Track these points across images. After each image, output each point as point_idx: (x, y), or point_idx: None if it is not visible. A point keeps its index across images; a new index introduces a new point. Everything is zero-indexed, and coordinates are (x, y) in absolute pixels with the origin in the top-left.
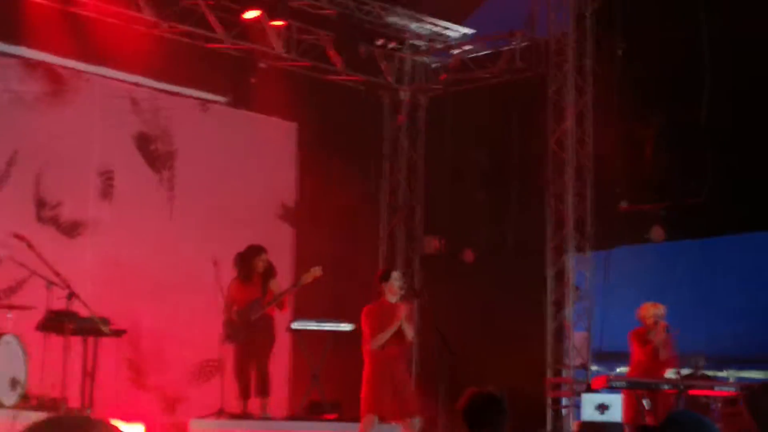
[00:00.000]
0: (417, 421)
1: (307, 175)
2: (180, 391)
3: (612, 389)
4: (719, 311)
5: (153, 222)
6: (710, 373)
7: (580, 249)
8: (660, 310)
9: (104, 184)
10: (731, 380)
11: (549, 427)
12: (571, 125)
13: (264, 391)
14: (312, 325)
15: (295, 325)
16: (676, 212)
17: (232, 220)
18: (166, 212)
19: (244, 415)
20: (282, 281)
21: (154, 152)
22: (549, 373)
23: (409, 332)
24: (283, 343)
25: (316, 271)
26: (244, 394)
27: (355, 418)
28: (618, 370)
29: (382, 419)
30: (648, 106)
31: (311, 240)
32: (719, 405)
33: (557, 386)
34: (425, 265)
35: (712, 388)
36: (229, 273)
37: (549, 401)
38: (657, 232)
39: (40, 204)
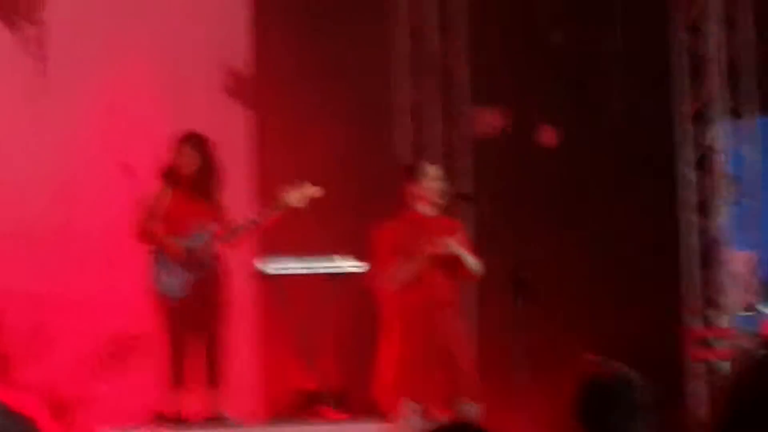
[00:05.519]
0: (472, 408)
1: (271, 19)
2: (77, 387)
3: None
4: None
5: (15, 109)
6: None
7: (735, 113)
8: None
9: None
10: None
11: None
12: None
13: (214, 377)
14: (296, 266)
15: (269, 267)
16: None
17: (146, 100)
18: (36, 92)
19: (192, 421)
20: (234, 201)
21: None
22: (691, 320)
23: (470, 261)
24: (246, 298)
25: (313, 190)
26: (180, 382)
27: (378, 414)
28: None
29: (424, 407)
30: None
31: (282, 127)
32: None
33: (705, 342)
34: (478, 153)
35: None
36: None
37: (691, 368)
38: None
39: None
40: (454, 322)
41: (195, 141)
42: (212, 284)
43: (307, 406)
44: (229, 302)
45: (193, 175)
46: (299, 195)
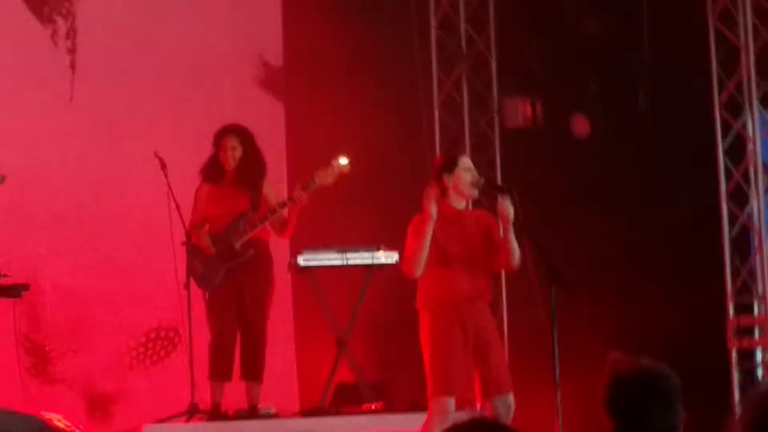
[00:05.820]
0: (509, 399)
1: (301, 11)
2: (114, 381)
3: None
4: None
5: (47, 106)
6: None
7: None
8: None
9: None
10: None
11: (738, 398)
12: None
13: (255, 371)
14: (331, 259)
15: (304, 260)
16: None
17: (180, 95)
18: (65, 89)
19: (228, 413)
20: (277, 188)
21: None
22: (731, 311)
23: (514, 247)
24: (283, 291)
25: (341, 165)
26: (221, 374)
27: (415, 406)
28: None
29: (460, 403)
30: None
31: (310, 119)
32: None
33: (745, 331)
34: (510, 144)
35: None
36: (188, 180)
37: (734, 357)
38: None
39: None
40: (486, 316)
41: (238, 133)
42: (257, 270)
43: (343, 398)
44: (269, 292)
45: (236, 167)
46: (330, 170)
